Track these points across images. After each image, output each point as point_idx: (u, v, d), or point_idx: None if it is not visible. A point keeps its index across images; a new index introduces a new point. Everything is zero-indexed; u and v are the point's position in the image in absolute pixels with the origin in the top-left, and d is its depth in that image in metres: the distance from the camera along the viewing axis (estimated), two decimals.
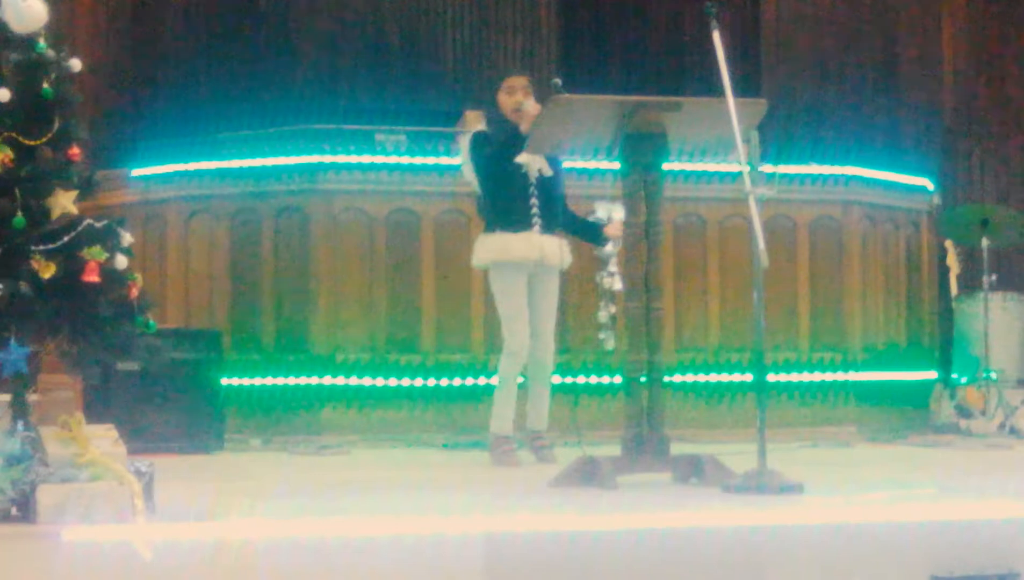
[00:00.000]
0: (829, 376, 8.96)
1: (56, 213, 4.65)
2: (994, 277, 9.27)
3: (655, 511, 4.97)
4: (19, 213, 4.56)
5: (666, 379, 6.16)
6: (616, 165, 6.13)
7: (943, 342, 10.01)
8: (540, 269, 7.01)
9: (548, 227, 6.99)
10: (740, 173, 5.74)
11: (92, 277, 4.60)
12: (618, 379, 7.87)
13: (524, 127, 6.69)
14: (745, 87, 8.04)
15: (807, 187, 9.06)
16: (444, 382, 8.42)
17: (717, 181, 8.81)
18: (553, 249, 6.96)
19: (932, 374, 9.71)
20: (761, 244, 5.59)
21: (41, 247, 4.58)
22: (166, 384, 7.60)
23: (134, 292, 4.77)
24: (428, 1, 12.89)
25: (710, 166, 8.77)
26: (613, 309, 6.96)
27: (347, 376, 8.32)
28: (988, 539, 4.75)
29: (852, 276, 9.14)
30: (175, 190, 8.78)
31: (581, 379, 8.48)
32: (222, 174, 8.68)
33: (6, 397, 4.69)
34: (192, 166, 8.75)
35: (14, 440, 4.45)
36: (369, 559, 4.30)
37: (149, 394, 7.56)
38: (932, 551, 4.66)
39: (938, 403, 9.33)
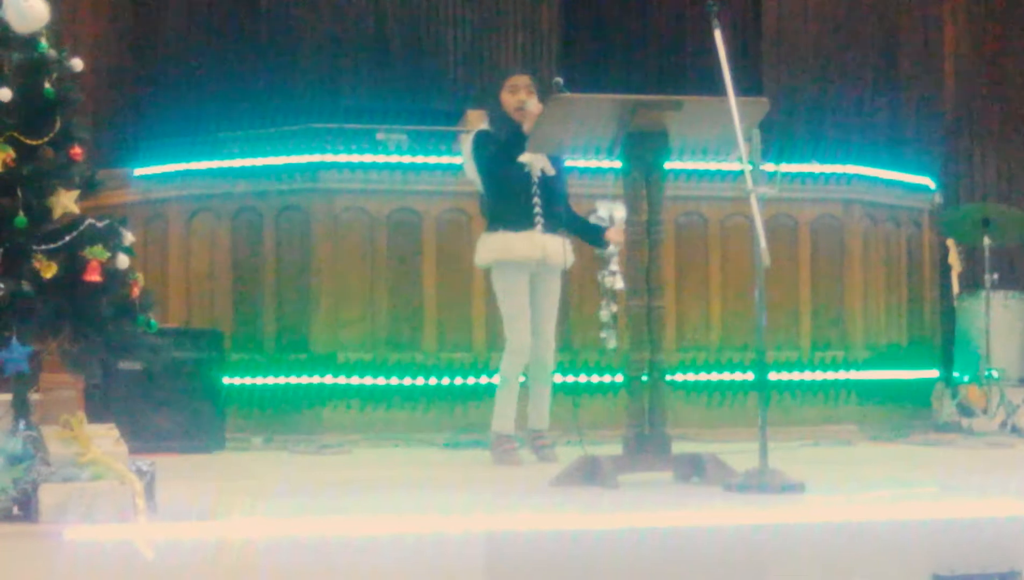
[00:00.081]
0: (830, 375, 8.96)
1: (58, 213, 4.66)
2: (995, 276, 9.27)
3: (656, 510, 4.97)
4: (21, 212, 4.56)
5: (667, 378, 6.16)
6: (617, 164, 6.13)
7: (945, 341, 10.01)
8: (542, 268, 7.01)
9: (550, 226, 6.99)
10: (741, 172, 5.74)
11: (94, 276, 4.61)
12: (619, 378, 7.87)
13: (526, 126, 6.70)
14: (746, 86, 8.02)
15: (808, 186, 9.06)
16: (445, 381, 8.42)
17: (718, 180, 8.81)
18: (556, 248, 6.96)
19: (934, 373, 9.71)
20: (763, 243, 5.59)
21: (43, 246, 4.59)
22: (167, 383, 7.60)
23: (135, 291, 4.77)
24: (429, 0, 12.89)
25: (711, 165, 8.77)
26: (614, 308, 6.96)
27: (348, 375, 8.32)
28: (990, 538, 4.75)
29: (853, 275, 9.14)
30: (176, 189, 8.79)
31: (583, 378, 8.48)
32: (223, 173, 8.68)
33: (8, 396, 4.69)
34: (194, 165, 8.75)
35: (16, 439, 4.45)
36: (370, 558, 4.31)
37: (151, 393, 7.57)
38: (934, 550, 4.66)
39: (940, 402, 9.32)
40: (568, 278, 7.25)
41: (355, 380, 8.33)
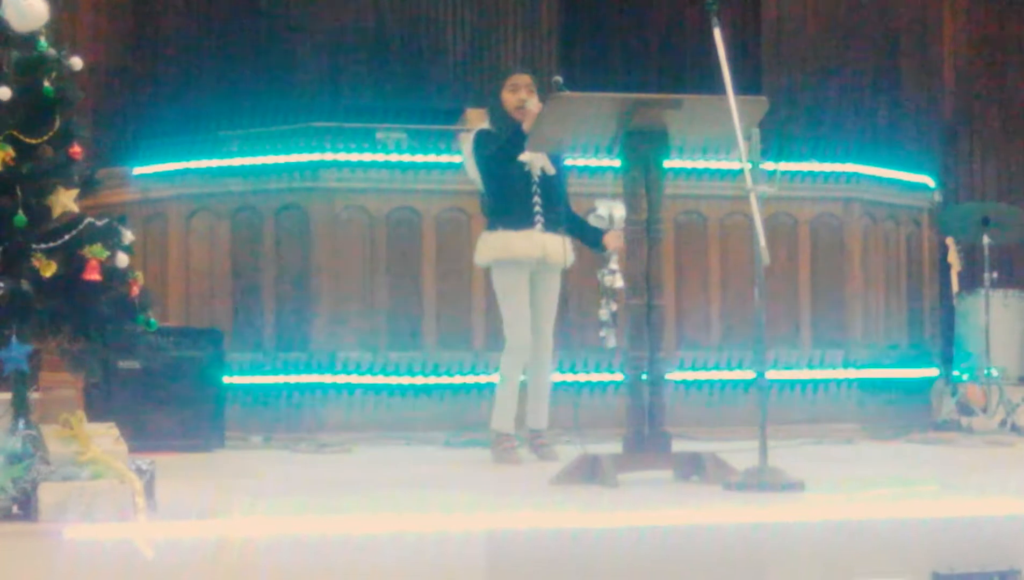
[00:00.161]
0: (830, 373, 8.96)
1: (57, 211, 4.66)
2: (995, 274, 9.27)
3: (656, 508, 4.97)
4: (20, 211, 4.56)
5: (667, 376, 6.16)
6: (617, 162, 6.13)
7: (944, 339, 10.01)
8: (542, 267, 7.01)
9: (550, 225, 6.99)
10: (741, 170, 5.75)
11: (93, 275, 4.60)
12: (619, 376, 7.87)
13: (526, 125, 6.70)
14: (746, 84, 8.02)
15: (808, 184, 9.06)
16: (445, 380, 8.41)
17: (718, 178, 8.80)
18: (555, 247, 6.96)
19: (933, 371, 9.71)
20: (762, 241, 5.59)
21: (42, 245, 4.58)
22: (167, 382, 7.60)
23: (135, 290, 4.77)
24: (429, 0, 12.89)
25: (711, 164, 8.77)
26: (614, 306, 6.96)
27: (348, 374, 8.32)
28: (989, 536, 4.75)
29: (853, 273, 9.14)
30: (176, 188, 8.78)
31: (582, 377, 8.48)
32: (223, 172, 8.68)
33: (7, 395, 4.68)
34: (193, 164, 8.74)
35: (15, 438, 4.45)
36: (371, 557, 4.31)
37: (150, 392, 7.56)
38: (934, 548, 4.66)
39: (939, 400, 9.32)
40: (567, 277, 7.25)
41: (355, 379, 8.32)
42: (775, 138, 8.18)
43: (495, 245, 7.00)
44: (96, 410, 6.52)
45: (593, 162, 7.99)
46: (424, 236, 8.54)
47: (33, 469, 4.34)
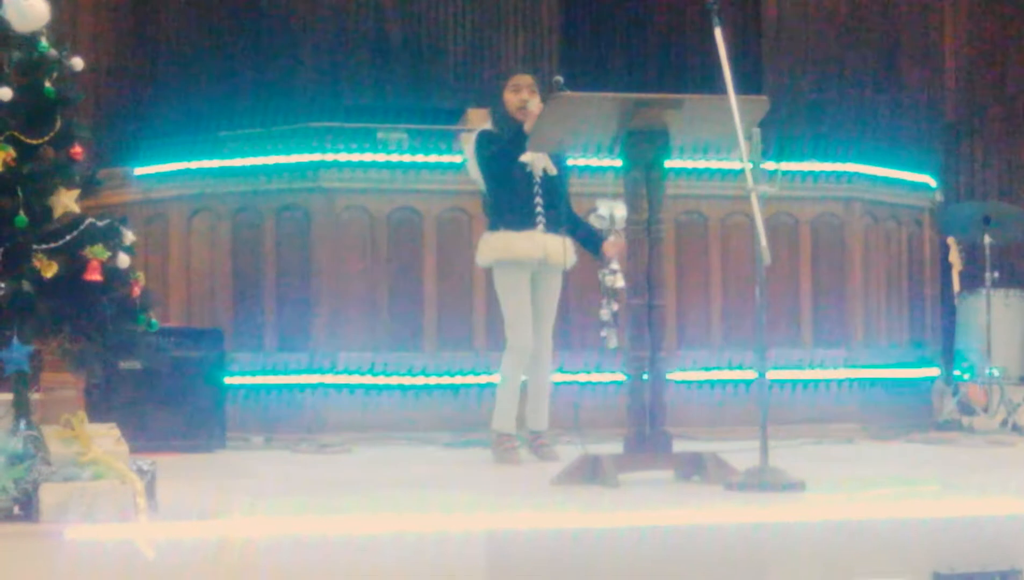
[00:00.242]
0: (831, 373, 8.95)
1: (58, 212, 4.66)
2: (996, 274, 9.27)
3: (657, 508, 4.97)
4: (21, 212, 4.56)
5: (668, 376, 6.16)
6: (618, 162, 6.13)
7: (945, 339, 10.01)
8: (543, 268, 7.01)
9: (552, 226, 6.99)
10: (742, 170, 5.75)
11: (94, 276, 4.61)
12: (620, 376, 7.87)
13: (528, 126, 6.70)
14: (747, 84, 8.03)
15: (809, 184, 9.06)
16: (446, 380, 8.41)
17: (719, 178, 8.80)
18: (557, 248, 6.96)
19: (934, 371, 9.70)
20: (763, 241, 5.59)
21: (43, 246, 4.59)
22: (168, 383, 7.59)
23: (136, 291, 4.77)
24: (429, 0, 12.89)
25: (712, 163, 8.77)
26: (615, 306, 6.96)
27: (349, 374, 8.31)
28: (990, 536, 4.75)
29: (854, 273, 9.14)
30: (177, 189, 8.78)
31: (583, 377, 8.48)
32: (224, 172, 8.67)
33: (8, 396, 4.69)
34: (194, 165, 8.74)
35: (16, 439, 4.45)
36: (371, 557, 4.31)
37: (151, 393, 7.56)
38: (934, 548, 4.66)
39: (940, 400, 9.32)
40: (569, 277, 7.25)
41: (355, 379, 8.32)
42: (776, 138, 8.17)
43: (496, 245, 7.01)
44: (97, 410, 6.53)
45: (594, 162, 7.99)
46: (425, 236, 8.54)
47: (34, 470, 4.34)
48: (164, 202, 8.81)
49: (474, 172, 7.13)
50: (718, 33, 5.85)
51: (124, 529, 4.20)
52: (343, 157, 8.48)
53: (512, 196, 7.00)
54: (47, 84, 4.69)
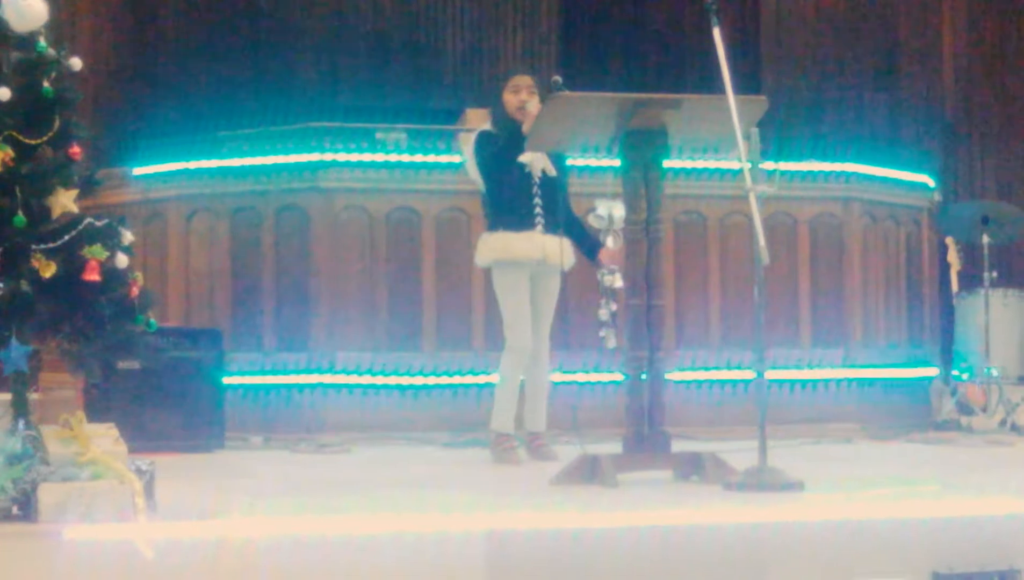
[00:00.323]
0: (830, 373, 8.96)
1: (57, 212, 4.65)
2: (995, 274, 9.27)
3: (656, 508, 4.97)
4: (20, 212, 4.56)
5: (667, 376, 6.16)
6: (616, 162, 6.13)
7: (944, 339, 10.01)
8: (542, 268, 7.01)
9: (551, 227, 6.99)
10: (740, 170, 5.75)
11: (93, 276, 4.60)
12: (619, 376, 7.87)
13: (526, 127, 6.70)
14: (745, 84, 8.02)
15: (808, 184, 9.06)
16: (445, 380, 8.42)
17: (718, 178, 8.81)
18: (555, 249, 6.95)
19: (933, 371, 9.71)
20: (762, 241, 5.59)
21: (42, 246, 4.58)
22: (167, 383, 7.59)
23: (135, 291, 4.77)
24: (429, 0, 12.90)
25: (711, 163, 8.77)
26: (614, 306, 6.96)
27: (348, 374, 8.32)
28: (989, 536, 4.75)
29: (853, 273, 9.14)
30: (176, 189, 8.78)
31: (582, 377, 8.48)
32: (223, 172, 8.68)
33: (7, 396, 4.68)
34: (193, 165, 8.74)
35: (15, 439, 4.45)
36: (371, 557, 4.31)
37: (150, 393, 7.56)
38: (934, 548, 4.66)
39: (939, 400, 9.32)
40: (567, 277, 7.25)
41: (354, 379, 8.32)
42: (775, 138, 8.18)
43: (495, 246, 7.01)
44: (96, 411, 6.52)
45: (593, 162, 7.99)
46: (424, 236, 8.54)
47: (33, 470, 4.34)
48: (163, 202, 8.81)
49: (473, 172, 7.13)
50: (716, 33, 5.85)
51: (123, 529, 4.20)
52: (342, 157, 8.49)
53: (511, 197, 7.00)
54: (46, 84, 4.68)
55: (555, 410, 7.24)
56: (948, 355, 9.79)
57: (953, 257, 9.78)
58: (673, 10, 13.04)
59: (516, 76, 7.14)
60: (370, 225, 8.49)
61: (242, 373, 8.32)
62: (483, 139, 7.07)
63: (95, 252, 4.61)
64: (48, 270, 4.55)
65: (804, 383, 8.89)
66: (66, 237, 4.62)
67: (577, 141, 6.31)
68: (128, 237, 4.78)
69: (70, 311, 4.62)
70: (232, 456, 7.56)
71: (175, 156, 8.81)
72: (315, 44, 12.59)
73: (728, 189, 8.56)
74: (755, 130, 5.86)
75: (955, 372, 9.48)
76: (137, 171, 8.89)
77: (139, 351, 4.83)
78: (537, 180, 7.01)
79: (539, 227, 6.97)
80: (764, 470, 5.53)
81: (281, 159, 8.54)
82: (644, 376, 5.92)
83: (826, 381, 8.95)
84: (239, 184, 8.63)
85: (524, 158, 6.91)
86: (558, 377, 7.85)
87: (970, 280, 9.80)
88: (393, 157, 8.55)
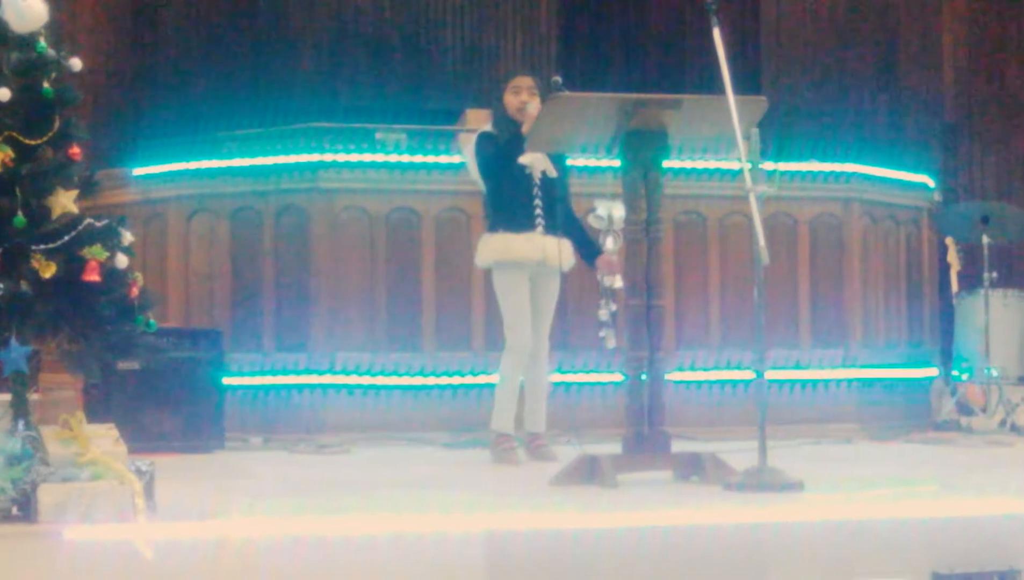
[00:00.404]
0: (830, 373, 8.95)
1: (57, 212, 4.65)
2: (995, 274, 9.27)
3: (656, 509, 4.97)
4: (19, 212, 4.56)
5: (667, 377, 6.16)
6: (616, 163, 6.13)
7: (944, 339, 10.01)
8: (542, 269, 7.01)
9: (551, 228, 6.99)
10: (740, 170, 5.75)
11: (93, 276, 4.60)
12: (619, 377, 7.87)
13: (526, 128, 6.70)
14: (745, 84, 8.03)
15: (807, 184, 9.05)
16: (444, 380, 8.41)
17: (718, 178, 8.80)
18: (555, 250, 6.96)
19: (933, 371, 9.70)
20: (762, 241, 5.59)
21: (42, 246, 4.58)
22: (167, 383, 7.60)
23: (135, 291, 4.77)
24: (428, 0, 12.90)
25: (711, 163, 8.76)
26: (614, 307, 6.95)
27: (347, 374, 8.31)
28: (989, 536, 4.75)
29: (853, 273, 9.14)
30: (176, 189, 8.78)
31: (582, 377, 8.47)
32: (223, 173, 8.67)
33: (7, 396, 4.68)
34: (193, 165, 8.73)
35: (15, 439, 4.45)
36: (370, 558, 4.31)
37: (150, 393, 7.56)
38: (933, 548, 4.66)
39: (939, 400, 9.31)
40: (567, 277, 7.25)
41: (354, 379, 8.32)
42: (774, 138, 8.18)
43: (496, 247, 7.01)
44: (96, 411, 6.52)
45: (592, 162, 7.99)
46: (423, 237, 8.53)
47: (33, 470, 4.34)
48: (163, 202, 8.81)
49: (474, 173, 7.14)
50: (716, 33, 5.85)
51: (123, 529, 4.20)
52: (342, 157, 8.48)
53: (511, 198, 7.00)
54: (45, 85, 4.68)
55: (555, 410, 7.23)
56: (948, 355, 9.79)
57: (953, 257, 9.78)
58: (673, 10, 13.05)
59: (517, 77, 7.14)
60: (370, 225, 8.49)
61: (242, 373, 8.32)
62: (483, 140, 7.08)
63: (95, 253, 4.61)
64: (48, 270, 4.55)
65: (804, 383, 8.88)
66: (66, 237, 4.62)
67: (577, 141, 6.30)
68: (128, 237, 4.78)
69: (70, 312, 4.62)
70: (232, 457, 7.56)
71: (175, 156, 8.81)
72: (315, 44, 12.59)
73: (728, 189, 8.56)
74: (755, 130, 5.86)
75: (955, 372, 9.48)
76: (137, 171, 8.89)
77: (139, 351, 4.83)
78: (537, 181, 7.01)
79: (539, 228, 6.98)
80: (764, 470, 5.53)
81: (281, 159, 8.54)
82: (644, 376, 5.92)
83: (826, 381, 8.94)
84: (239, 184, 8.62)
85: (524, 159, 6.92)
86: (558, 378, 7.84)
87: (970, 280, 9.81)
88: (393, 157, 8.54)
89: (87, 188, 4.75)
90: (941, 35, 12.40)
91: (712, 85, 6.30)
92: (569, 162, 7.34)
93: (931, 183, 9.89)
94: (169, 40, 12.31)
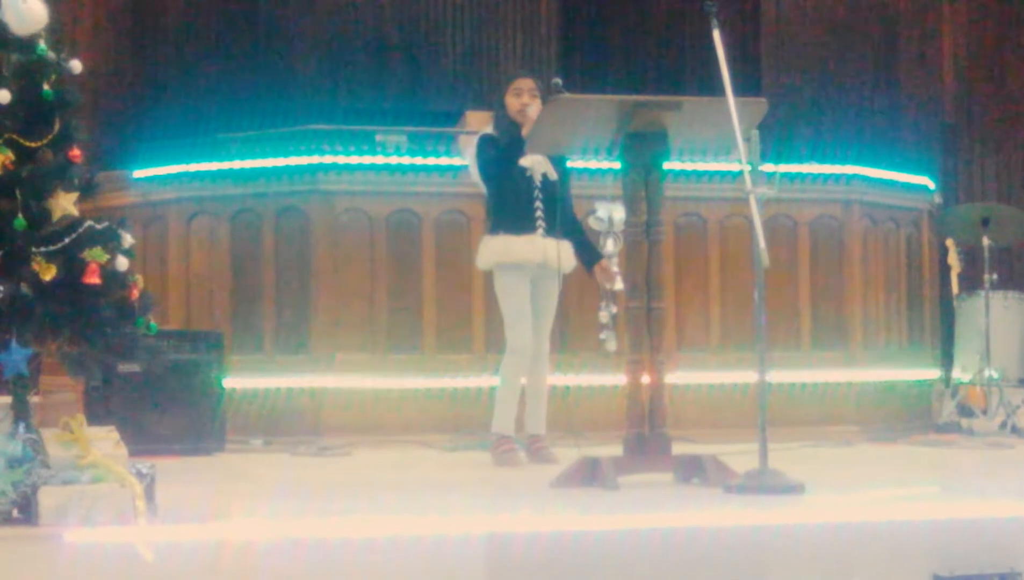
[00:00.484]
0: (830, 375, 8.95)
1: (57, 215, 4.65)
2: (995, 276, 9.26)
3: (657, 511, 4.97)
4: (20, 215, 4.56)
5: (667, 379, 6.15)
6: (616, 164, 6.13)
7: (944, 341, 10.01)
8: (542, 272, 7.01)
9: (552, 230, 6.99)
10: (741, 172, 5.74)
11: (93, 279, 4.60)
12: (619, 379, 7.86)
13: (526, 131, 6.70)
14: (745, 86, 8.04)
15: (808, 186, 9.05)
16: (445, 382, 8.41)
17: (718, 180, 8.80)
18: (555, 253, 6.95)
19: (933, 373, 9.70)
20: (762, 243, 5.59)
21: (42, 249, 4.58)
22: (167, 385, 7.60)
23: (135, 293, 4.77)
24: (428, 1, 12.90)
25: (711, 165, 8.76)
26: (614, 309, 6.96)
27: (348, 376, 8.31)
28: (990, 538, 4.75)
29: (853, 275, 9.13)
30: (176, 191, 8.78)
31: (583, 379, 8.47)
32: (223, 175, 8.67)
33: (7, 399, 4.68)
34: (193, 167, 8.74)
35: (16, 442, 4.45)
36: (371, 560, 4.30)
37: (150, 395, 7.56)
38: (934, 550, 4.66)
39: (939, 402, 9.31)
40: (567, 279, 7.25)
41: (355, 381, 8.31)
42: (775, 140, 8.18)
43: (497, 249, 7.01)
44: (96, 413, 6.52)
45: (593, 164, 7.99)
46: (424, 238, 8.53)
47: (33, 473, 4.34)
48: (163, 205, 8.81)
49: (475, 176, 7.14)
50: (716, 35, 5.85)
51: (123, 532, 4.20)
52: (342, 160, 8.48)
53: (512, 200, 7.00)
54: (46, 87, 4.68)
55: (555, 413, 7.23)
56: (948, 357, 9.78)
57: (953, 259, 9.78)
58: (673, 11, 13.05)
59: (518, 79, 7.13)
60: (370, 227, 8.49)
61: (242, 375, 8.31)
62: (484, 142, 7.08)
63: (95, 255, 4.61)
64: (48, 273, 4.55)
65: (804, 385, 8.88)
66: (66, 240, 4.62)
67: (577, 143, 6.30)
68: (128, 240, 4.78)
69: (70, 314, 4.62)
70: (232, 459, 7.56)
71: (175, 159, 8.81)
72: (315, 46, 12.60)
73: (728, 191, 8.56)
74: (755, 132, 5.86)
75: (955, 374, 9.47)
76: (137, 174, 8.89)
77: (139, 354, 4.83)
78: (538, 184, 7.01)
79: (540, 230, 6.98)
80: (765, 472, 5.53)
81: (281, 161, 8.54)
82: (644, 379, 5.91)
83: (826, 383, 8.94)
84: (239, 186, 8.62)
85: (525, 162, 6.92)
86: (558, 379, 7.84)
87: (970, 282, 9.80)
88: (393, 159, 8.54)
89: (87, 190, 4.76)
90: (941, 36, 12.40)
91: (712, 86, 6.29)
92: (569, 164, 7.34)
93: (931, 185, 9.88)
94: (169, 42, 12.32)
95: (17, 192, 4.58)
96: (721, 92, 5.78)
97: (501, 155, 6.94)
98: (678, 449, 6.06)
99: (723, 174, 8.75)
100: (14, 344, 4.54)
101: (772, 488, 5.45)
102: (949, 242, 9.79)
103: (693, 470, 5.86)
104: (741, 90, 5.90)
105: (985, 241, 9.30)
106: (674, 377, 7.97)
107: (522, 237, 6.96)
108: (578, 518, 4.78)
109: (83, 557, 4.13)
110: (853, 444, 8.31)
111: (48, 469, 4.39)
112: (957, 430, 8.89)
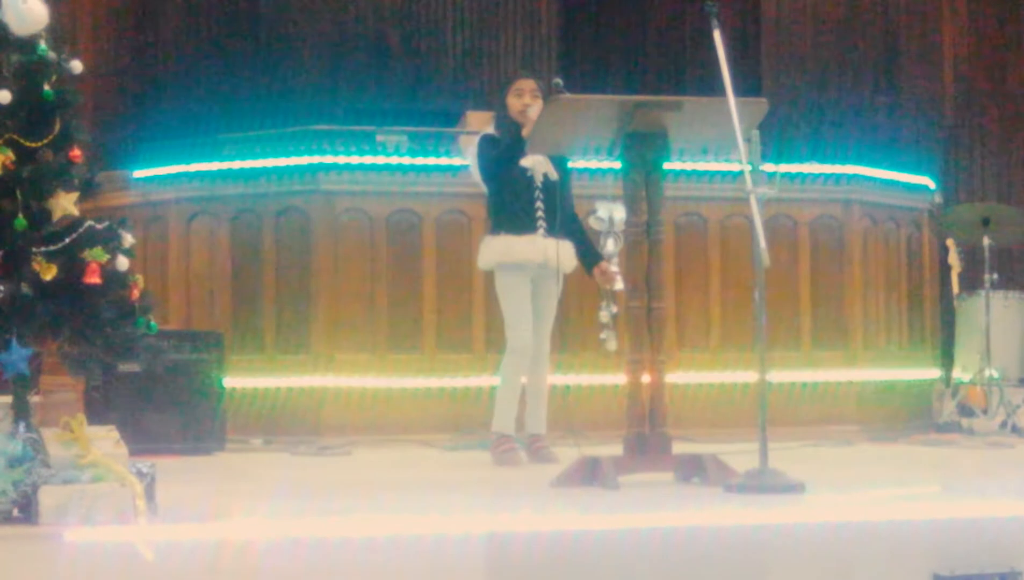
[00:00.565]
0: (830, 375, 8.95)
1: (57, 215, 4.66)
2: (995, 276, 9.27)
3: (657, 511, 4.97)
4: (20, 215, 4.56)
5: (667, 378, 6.15)
6: (617, 164, 6.13)
7: (945, 341, 10.01)
8: (543, 271, 7.01)
9: (552, 230, 6.99)
10: (741, 172, 5.74)
11: (93, 278, 4.60)
12: (619, 379, 7.86)
13: (526, 131, 6.70)
14: (746, 86, 8.03)
15: (808, 186, 9.05)
16: (445, 382, 8.41)
17: (718, 180, 8.80)
18: (556, 253, 6.95)
19: (934, 373, 9.70)
20: (762, 243, 5.59)
21: (42, 249, 4.58)
22: (167, 385, 7.60)
23: (135, 293, 4.77)
24: (428, 1, 12.90)
25: (711, 165, 8.76)
26: (615, 308, 6.96)
27: (348, 376, 8.31)
28: (990, 538, 4.75)
29: (853, 275, 9.13)
30: (176, 191, 8.78)
31: (583, 379, 8.47)
32: (223, 175, 8.67)
33: (8, 398, 4.69)
34: (193, 167, 8.74)
35: (16, 441, 4.45)
36: (371, 559, 4.30)
37: (150, 395, 7.56)
38: (934, 550, 4.66)
39: (940, 402, 9.31)
40: (568, 279, 7.25)
41: (355, 381, 8.32)
42: (775, 140, 8.18)
43: (497, 249, 7.01)
44: (96, 413, 6.52)
45: (593, 164, 7.99)
46: (424, 238, 8.53)
47: (34, 472, 4.34)
48: (163, 205, 8.81)
49: (476, 176, 7.14)
50: (717, 35, 5.85)
51: (123, 531, 4.20)
52: (342, 159, 8.48)
53: (513, 200, 7.00)
54: (46, 87, 4.69)
55: (555, 412, 7.23)
56: (949, 357, 9.79)
57: (954, 259, 9.78)
58: (673, 11, 13.05)
59: (519, 80, 7.13)
60: (370, 227, 8.49)
61: (242, 375, 8.32)
62: (485, 143, 7.08)
63: (96, 255, 4.61)
64: (49, 273, 4.55)
65: (805, 385, 8.88)
66: (67, 240, 4.62)
67: (577, 143, 6.30)
68: (129, 240, 4.78)
69: (71, 314, 4.62)
70: (232, 458, 7.56)
71: (175, 159, 8.81)
72: (315, 46, 12.59)
73: (729, 191, 8.56)
74: (756, 132, 5.86)
75: (956, 374, 9.48)
76: (137, 174, 8.89)
77: (140, 353, 4.83)
78: (539, 184, 7.01)
79: (541, 230, 6.98)
80: (765, 472, 5.53)
81: (281, 161, 8.54)
82: (645, 378, 5.91)
83: (827, 383, 8.94)
84: (239, 186, 8.63)
85: (526, 162, 6.92)
86: (558, 379, 7.84)
87: (971, 282, 9.81)
88: (393, 159, 8.55)
89: (88, 190, 4.76)
90: (941, 35, 12.40)
91: (713, 86, 6.29)
92: (570, 164, 7.34)
93: (931, 184, 9.88)
94: (170, 42, 12.32)
95: (17, 192, 4.58)
96: (721, 92, 5.78)
97: (502, 155, 6.94)
98: (678, 448, 6.06)
99: (723, 174, 8.75)
100: (14, 344, 4.54)
101: (772, 487, 5.45)
102: (949, 242, 9.79)
103: (693, 469, 5.86)
104: (741, 90, 5.90)
105: (985, 241, 9.31)
106: (674, 377, 7.98)
107: (523, 237, 6.96)
108: (578, 518, 4.78)
109: (83, 556, 4.13)
110: (853, 444, 8.31)
111: (48, 468, 4.39)
112: (957, 430, 8.89)
